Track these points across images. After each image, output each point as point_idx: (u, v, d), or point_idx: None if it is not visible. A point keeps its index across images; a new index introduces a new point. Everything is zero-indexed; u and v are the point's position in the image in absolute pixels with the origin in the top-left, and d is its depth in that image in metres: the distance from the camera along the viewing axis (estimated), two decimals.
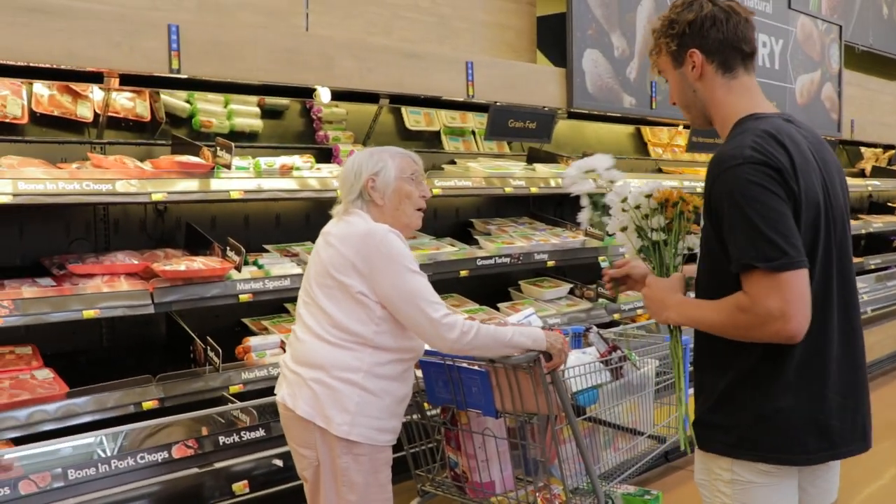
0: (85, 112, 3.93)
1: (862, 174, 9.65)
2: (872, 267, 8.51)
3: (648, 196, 2.37)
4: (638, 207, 2.39)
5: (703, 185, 2.15)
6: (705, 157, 7.24)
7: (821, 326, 2.08)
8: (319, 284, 2.79)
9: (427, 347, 3.02)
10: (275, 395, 2.93)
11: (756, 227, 1.96)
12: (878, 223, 8.75)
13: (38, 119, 3.86)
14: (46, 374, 3.46)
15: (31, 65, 3.21)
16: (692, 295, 2.25)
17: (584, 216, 2.86)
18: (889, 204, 9.79)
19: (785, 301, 1.94)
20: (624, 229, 2.44)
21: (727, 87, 2.22)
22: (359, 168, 2.88)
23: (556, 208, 6.09)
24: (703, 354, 2.24)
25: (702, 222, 2.20)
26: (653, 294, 2.32)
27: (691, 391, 2.34)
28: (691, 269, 2.36)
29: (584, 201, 2.80)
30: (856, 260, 8.30)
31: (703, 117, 2.30)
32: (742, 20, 2.21)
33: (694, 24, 2.20)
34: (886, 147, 9.51)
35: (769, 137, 2.04)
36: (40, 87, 3.82)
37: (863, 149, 9.87)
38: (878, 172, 9.53)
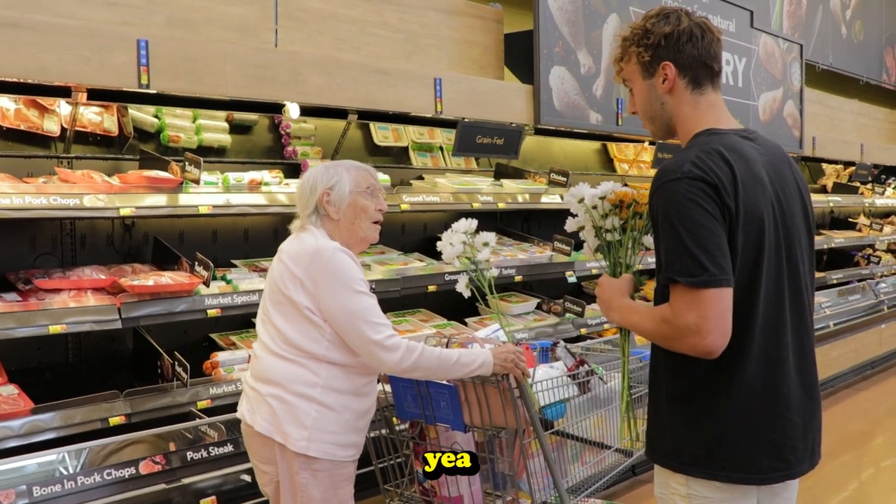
0: (52, 126, 3.91)
1: (823, 190, 9.82)
2: (835, 282, 8.66)
3: (603, 198, 2.45)
4: (595, 208, 2.47)
5: None
6: None
7: (774, 346, 2.10)
8: (272, 301, 2.80)
9: None
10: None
11: (682, 241, 1.98)
12: (839, 238, 8.90)
13: (4, 133, 3.83)
14: (11, 389, 3.42)
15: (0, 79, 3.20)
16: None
17: (461, 284, 3.23)
18: (850, 219, 9.97)
19: (702, 317, 1.97)
20: (581, 229, 2.53)
21: (695, 103, 2.22)
22: (314, 183, 2.86)
23: (524, 224, 6.14)
24: (657, 371, 2.24)
25: None
26: (602, 294, 2.38)
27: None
28: None
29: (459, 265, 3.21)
30: (818, 275, 8.47)
31: (666, 129, 2.30)
32: (714, 39, 2.23)
33: (670, 37, 2.18)
34: (847, 164, 9.68)
35: (714, 153, 2.05)
36: (6, 101, 3.79)
37: (824, 165, 10.04)
38: (838, 188, 9.71)
